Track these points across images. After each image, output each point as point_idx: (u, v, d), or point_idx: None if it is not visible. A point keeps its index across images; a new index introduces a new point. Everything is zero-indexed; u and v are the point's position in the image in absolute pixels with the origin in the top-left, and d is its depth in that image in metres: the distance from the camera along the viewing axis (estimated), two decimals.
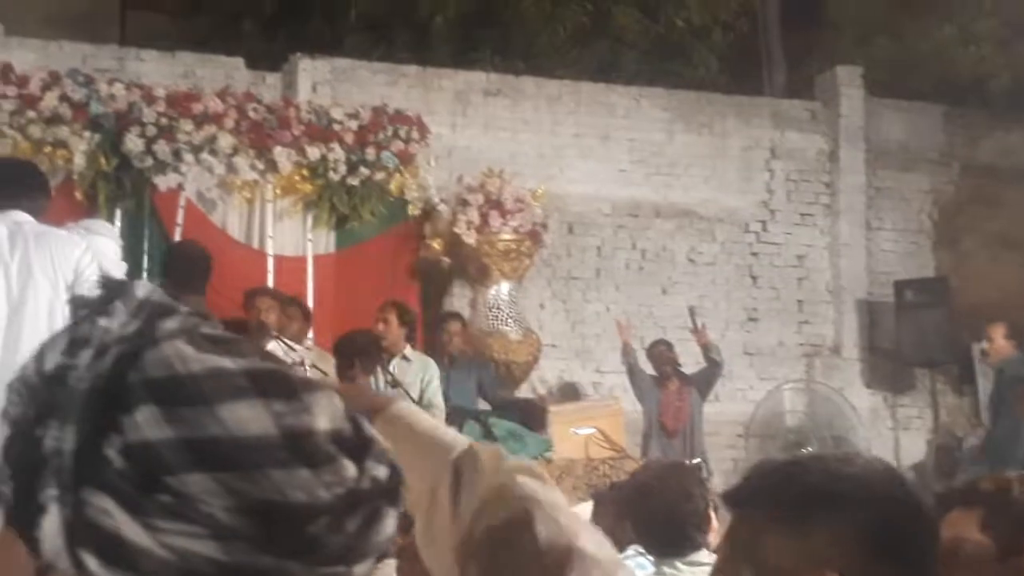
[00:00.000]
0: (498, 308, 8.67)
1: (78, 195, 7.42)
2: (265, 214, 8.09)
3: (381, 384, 6.45)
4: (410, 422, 1.22)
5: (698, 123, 10.31)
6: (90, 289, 0.77)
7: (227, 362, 0.75)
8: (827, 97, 10.76)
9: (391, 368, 6.66)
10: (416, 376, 6.82)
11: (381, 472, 0.77)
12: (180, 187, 7.74)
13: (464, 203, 8.64)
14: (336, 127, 8.27)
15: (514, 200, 8.68)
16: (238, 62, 9.21)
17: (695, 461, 7.26)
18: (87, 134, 7.49)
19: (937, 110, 11.02)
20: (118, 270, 4.52)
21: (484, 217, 8.56)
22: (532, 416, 7.16)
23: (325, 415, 0.76)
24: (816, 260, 10.49)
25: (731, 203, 10.28)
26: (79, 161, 7.42)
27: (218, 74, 8.90)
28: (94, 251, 4.28)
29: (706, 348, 8.65)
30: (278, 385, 0.75)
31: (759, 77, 11.89)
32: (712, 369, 8.62)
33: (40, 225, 4.12)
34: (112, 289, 0.78)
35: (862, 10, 11.88)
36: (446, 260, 8.62)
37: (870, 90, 10.78)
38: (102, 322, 0.76)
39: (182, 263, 5.89)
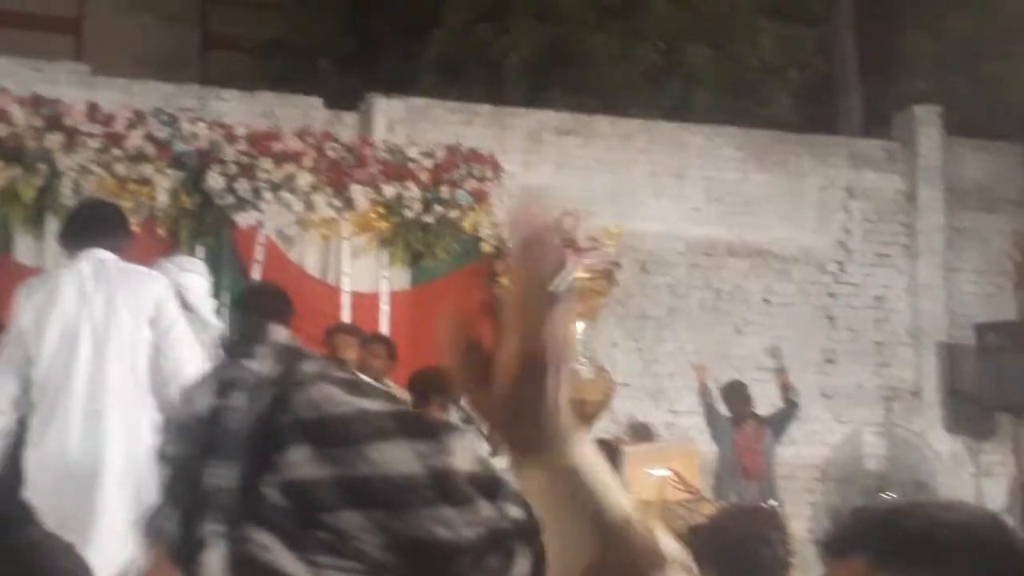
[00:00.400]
0: None
1: (161, 231, 7.56)
2: (341, 251, 8.17)
3: (454, 420, 6.47)
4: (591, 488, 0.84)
5: (772, 162, 10.23)
6: (230, 334, 0.80)
7: (369, 404, 0.78)
8: (905, 136, 10.62)
9: (463, 404, 6.67)
10: None
11: (517, 512, 0.80)
12: (259, 224, 7.85)
13: None
14: (412, 165, 8.35)
15: (587, 238, 8.67)
16: (316, 101, 9.36)
17: (771, 503, 7.15)
18: (170, 172, 7.64)
19: (1017, 150, 10.83)
20: (208, 306, 4.60)
21: None
22: (607, 457, 7.09)
23: (463, 456, 0.79)
24: (894, 301, 10.32)
25: (807, 243, 10.17)
26: (162, 198, 7.57)
27: (297, 113, 9.05)
28: (177, 286, 4.37)
29: (785, 389, 8.54)
30: (419, 427, 0.79)
31: (835, 115, 11.79)
32: (789, 410, 8.51)
33: (122, 262, 4.22)
34: (251, 334, 0.81)
35: (940, 49, 11.74)
36: None
37: (948, 129, 10.63)
38: (248, 365, 0.79)
39: (263, 302, 5.94)
